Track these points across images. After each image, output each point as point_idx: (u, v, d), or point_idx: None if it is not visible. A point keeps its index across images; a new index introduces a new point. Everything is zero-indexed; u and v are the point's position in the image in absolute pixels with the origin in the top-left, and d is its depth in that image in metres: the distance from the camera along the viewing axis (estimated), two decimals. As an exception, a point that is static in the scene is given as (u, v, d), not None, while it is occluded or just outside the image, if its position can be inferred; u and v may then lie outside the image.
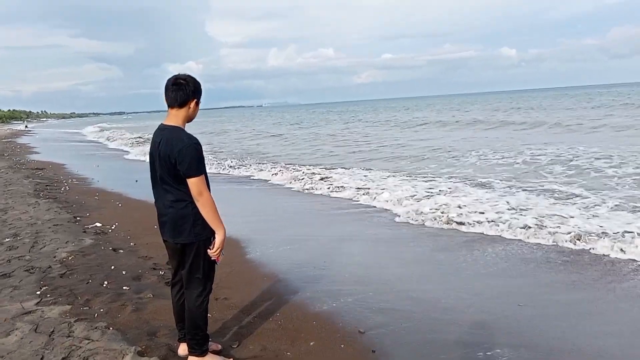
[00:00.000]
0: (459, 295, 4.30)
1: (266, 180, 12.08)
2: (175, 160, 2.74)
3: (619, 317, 3.83)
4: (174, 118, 2.87)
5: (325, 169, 12.85)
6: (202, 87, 2.94)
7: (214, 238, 2.89)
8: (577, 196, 8.03)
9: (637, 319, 3.80)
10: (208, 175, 2.96)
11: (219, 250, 2.89)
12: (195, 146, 2.78)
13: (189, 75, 2.88)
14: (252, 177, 12.80)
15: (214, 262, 2.99)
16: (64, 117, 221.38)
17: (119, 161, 18.11)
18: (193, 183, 2.77)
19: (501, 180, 9.97)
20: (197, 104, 2.92)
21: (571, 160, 12.03)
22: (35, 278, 4.76)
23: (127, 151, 22.28)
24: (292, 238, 6.36)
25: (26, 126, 73.94)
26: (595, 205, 7.29)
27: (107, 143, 29.22)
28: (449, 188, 9.12)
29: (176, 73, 2.91)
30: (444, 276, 4.88)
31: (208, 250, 2.88)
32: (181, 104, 2.85)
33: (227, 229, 2.94)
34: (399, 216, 7.41)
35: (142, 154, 18.82)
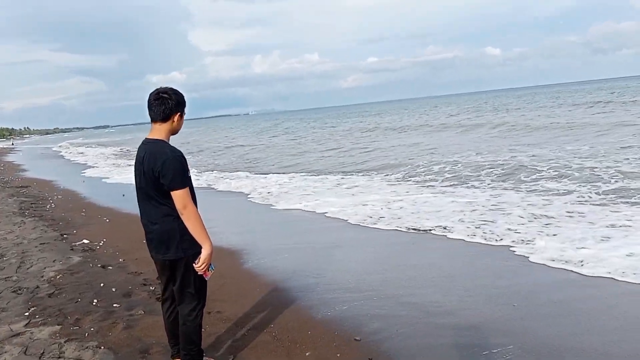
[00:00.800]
0: (452, 298, 4.30)
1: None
2: (159, 173, 2.70)
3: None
4: (157, 132, 2.84)
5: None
6: (184, 98, 2.90)
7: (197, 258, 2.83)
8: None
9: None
10: (194, 188, 2.93)
11: (205, 265, 2.80)
12: (178, 159, 2.74)
13: (171, 89, 2.85)
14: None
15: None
16: (47, 133, 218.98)
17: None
18: (177, 196, 2.72)
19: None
20: (181, 116, 2.89)
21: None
22: (23, 299, 4.67)
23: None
24: (281, 247, 6.32)
25: (12, 143, 73.58)
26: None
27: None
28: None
29: (159, 86, 2.88)
30: (431, 279, 4.88)
31: (194, 265, 2.81)
32: (164, 119, 2.82)
33: (216, 240, 2.89)
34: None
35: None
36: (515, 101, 53.65)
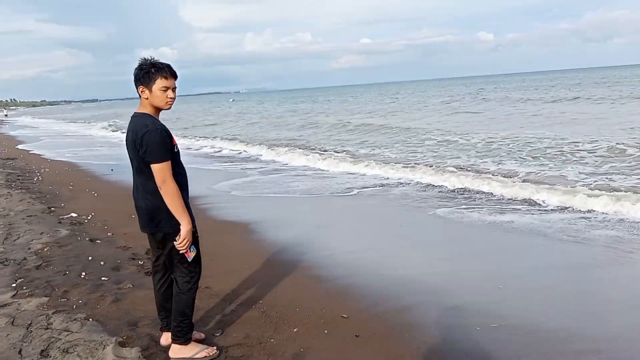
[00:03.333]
0: (433, 271, 4.36)
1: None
2: (140, 147, 2.68)
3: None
4: (142, 106, 2.81)
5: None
6: (156, 69, 2.72)
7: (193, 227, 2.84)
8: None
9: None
10: (184, 165, 2.91)
11: (185, 241, 2.76)
12: (158, 132, 2.68)
13: (142, 59, 2.77)
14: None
15: (198, 247, 2.95)
16: (34, 105, 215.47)
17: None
18: (155, 170, 2.68)
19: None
20: (150, 89, 2.73)
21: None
22: (10, 270, 4.65)
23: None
24: (271, 220, 6.33)
25: (6, 115, 72.39)
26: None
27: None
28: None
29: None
30: (418, 255, 4.93)
31: (174, 243, 2.77)
32: (137, 92, 2.79)
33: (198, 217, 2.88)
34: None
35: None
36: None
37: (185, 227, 2.75)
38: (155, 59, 2.79)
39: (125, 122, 2.87)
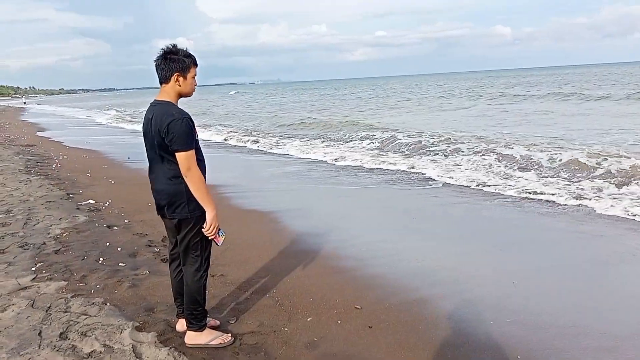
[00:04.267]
0: (446, 265, 4.35)
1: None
2: (165, 134, 2.70)
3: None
4: (165, 93, 2.83)
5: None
6: (190, 58, 2.82)
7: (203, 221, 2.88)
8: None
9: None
10: (203, 153, 2.94)
11: (212, 228, 2.83)
12: (185, 120, 2.72)
13: (170, 47, 2.80)
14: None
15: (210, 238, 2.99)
16: (52, 94, 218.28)
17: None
18: (181, 158, 2.73)
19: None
20: (185, 77, 2.81)
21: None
22: (30, 254, 4.75)
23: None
24: (285, 210, 6.36)
25: (25, 102, 73.17)
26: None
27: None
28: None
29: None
30: (431, 246, 4.93)
31: (203, 230, 2.85)
32: (165, 79, 2.80)
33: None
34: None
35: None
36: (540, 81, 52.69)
37: (210, 213, 2.81)
38: (179, 46, 2.83)
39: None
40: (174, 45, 2.82)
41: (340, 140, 14.55)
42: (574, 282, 4.12)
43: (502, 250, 4.96)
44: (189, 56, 2.82)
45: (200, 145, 2.93)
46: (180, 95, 2.87)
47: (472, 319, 3.49)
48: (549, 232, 5.48)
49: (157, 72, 2.81)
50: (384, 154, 11.72)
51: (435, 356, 3.02)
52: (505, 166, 9.27)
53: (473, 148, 11.02)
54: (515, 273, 4.31)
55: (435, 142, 12.17)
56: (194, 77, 2.87)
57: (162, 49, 2.81)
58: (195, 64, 2.87)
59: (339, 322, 3.45)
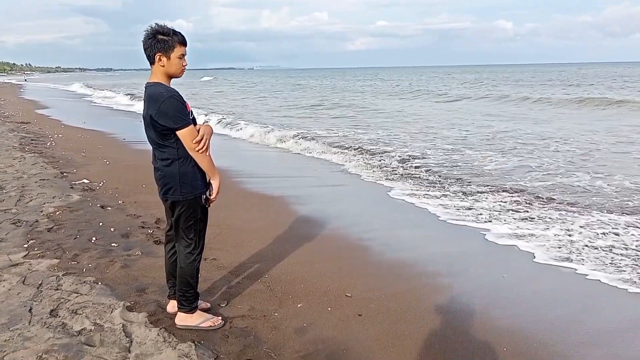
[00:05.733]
0: (437, 259, 4.38)
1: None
2: (157, 116, 2.67)
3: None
4: (154, 75, 2.80)
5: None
6: (175, 36, 2.73)
7: (209, 190, 2.94)
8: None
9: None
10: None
11: (217, 195, 2.96)
12: (174, 97, 2.69)
13: (154, 26, 2.74)
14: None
15: (205, 220, 3.01)
16: (49, 72, 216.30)
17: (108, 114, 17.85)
18: (182, 135, 2.71)
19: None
20: (168, 57, 2.73)
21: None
22: (22, 231, 4.73)
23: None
24: (281, 196, 6.37)
25: (25, 79, 72.70)
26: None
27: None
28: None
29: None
30: (420, 238, 4.96)
31: (210, 198, 2.95)
32: (151, 59, 2.76)
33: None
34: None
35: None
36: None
37: (216, 182, 2.92)
38: (164, 24, 2.76)
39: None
40: (157, 24, 2.75)
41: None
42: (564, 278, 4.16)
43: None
44: (174, 34, 2.73)
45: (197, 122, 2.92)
46: (168, 75, 2.80)
47: (461, 310, 3.53)
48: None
49: (145, 52, 2.76)
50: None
51: (423, 346, 3.06)
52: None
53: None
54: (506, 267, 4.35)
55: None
56: (180, 57, 2.76)
57: (146, 29, 2.75)
58: (182, 43, 2.76)
59: (329, 309, 3.48)
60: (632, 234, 5.11)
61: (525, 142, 11.61)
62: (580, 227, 5.34)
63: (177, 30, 2.77)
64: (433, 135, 13.14)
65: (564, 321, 3.41)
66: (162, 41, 2.71)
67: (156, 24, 2.75)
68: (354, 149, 10.70)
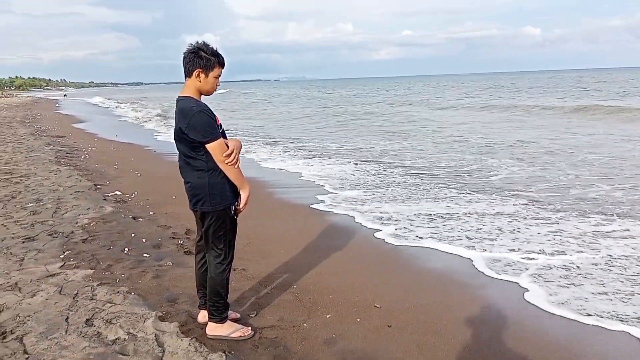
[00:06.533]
0: (467, 270, 4.31)
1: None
2: (187, 129, 2.75)
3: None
4: (187, 88, 2.87)
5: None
6: (217, 58, 2.84)
7: (237, 201, 2.98)
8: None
9: None
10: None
11: (246, 206, 3.01)
12: (205, 112, 2.76)
13: (199, 43, 2.83)
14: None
15: (234, 231, 3.06)
16: (82, 86, 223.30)
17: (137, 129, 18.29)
18: (212, 148, 2.77)
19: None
20: (207, 75, 2.83)
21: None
22: (59, 242, 4.88)
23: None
24: (302, 208, 6.39)
25: (65, 95, 74.07)
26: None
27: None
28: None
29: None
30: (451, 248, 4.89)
31: (238, 208, 2.99)
32: (188, 74, 2.84)
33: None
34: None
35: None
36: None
37: (245, 193, 2.97)
38: (209, 44, 2.85)
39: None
40: (204, 42, 2.85)
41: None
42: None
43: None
44: (216, 55, 2.84)
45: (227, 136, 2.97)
46: (201, 92, 2.89)
47: (494, 322, 3.46)
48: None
49: (183, 65, 2.86)
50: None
51: (455, 358, 3.00)
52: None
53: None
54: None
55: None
56: (216, 77, 2.87)
57: (191, 43, 2.85)
58: (221, 65, 2.87)
59: (358, 320, 3.46)
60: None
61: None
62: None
63: (219, 52, 2.87)
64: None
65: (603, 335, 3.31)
66: (205, 59, 2.81)
67: (203, 42, 2.85)
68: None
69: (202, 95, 2.93)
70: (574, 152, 10.98)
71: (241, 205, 2.99)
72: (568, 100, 28.32)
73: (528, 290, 3.99)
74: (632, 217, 5.86)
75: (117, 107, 37.51)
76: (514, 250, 4.88)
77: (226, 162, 2.82)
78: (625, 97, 28.95)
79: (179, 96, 2.90)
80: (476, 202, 6.82)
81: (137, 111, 30.92)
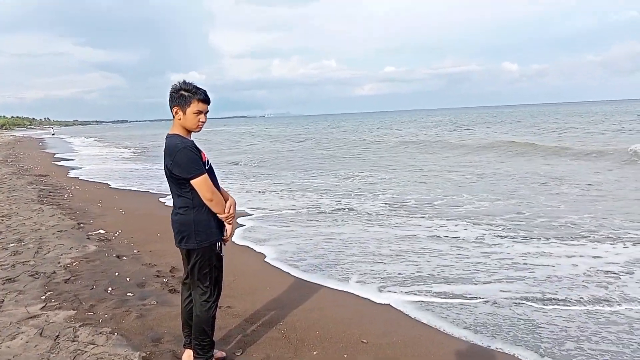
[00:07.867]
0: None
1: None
2: (171, 166, 2.79)
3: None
4: (174, 126, 2.92)
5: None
6: (193, 94, 2.82)
7: (221, 240, 3.00)
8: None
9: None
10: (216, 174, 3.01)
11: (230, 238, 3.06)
12: (189, 148, 2.79)
13: (183, 82, 2.87)
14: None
15: (220, 268, 3.04)
16: (67, 125, 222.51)
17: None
18: (197, 185, 2.79)
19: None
20: (184, 112, 2.82)
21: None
22: (40, 283, 4.80)
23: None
24: (291, 244, 6.38)
25: (53, 134, 72.11)
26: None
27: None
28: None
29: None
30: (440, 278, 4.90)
31: (223, 239, 3.01)
32: (171, 112, 2.89)
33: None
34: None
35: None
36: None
37: (230, 226, 3.01)
38: (191, 82, 2.90)
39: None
40: (184, 81, 2.88)
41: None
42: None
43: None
44: (192, 91, 2.84)
45: (215, 171, 3.00)
46: (185, 129, 2.90)
47: (481, 355, 3.46)
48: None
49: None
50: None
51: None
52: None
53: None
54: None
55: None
56: (196, 113, 2.84)
57: (175, 83, 2.90)
58: (201, 100, 2.84)
59: (345, 356, 3.43)
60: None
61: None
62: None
63: (200, 88, 2.87)
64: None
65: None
66: (181, 96, 2.84)
67: (184, 81, 2.88)
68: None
69: (191, 133, 2.96)
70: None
71: (226, 235, 3.02)
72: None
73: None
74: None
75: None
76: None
77: (224, 218, 2.93)
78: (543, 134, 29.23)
79: (167, 134, 2.95)
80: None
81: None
